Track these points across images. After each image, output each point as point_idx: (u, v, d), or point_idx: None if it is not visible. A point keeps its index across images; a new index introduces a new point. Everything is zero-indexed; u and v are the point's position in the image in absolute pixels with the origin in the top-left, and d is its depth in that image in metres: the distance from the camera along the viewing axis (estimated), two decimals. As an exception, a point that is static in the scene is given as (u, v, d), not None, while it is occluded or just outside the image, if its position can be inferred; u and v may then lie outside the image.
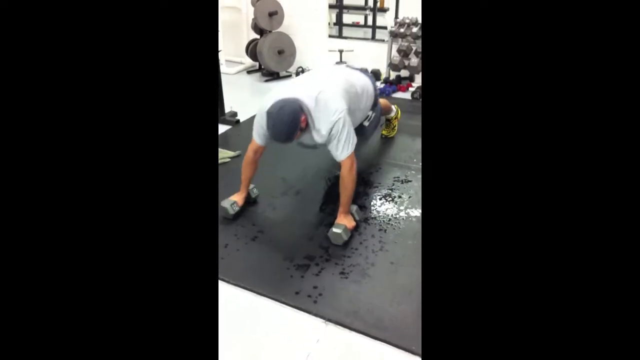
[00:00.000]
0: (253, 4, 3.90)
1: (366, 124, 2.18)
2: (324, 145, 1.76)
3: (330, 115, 1.68)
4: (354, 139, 1.74)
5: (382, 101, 2.49)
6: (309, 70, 4.11)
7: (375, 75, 3.83)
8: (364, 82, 2.07)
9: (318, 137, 1.72)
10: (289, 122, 1.58)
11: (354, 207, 1.86)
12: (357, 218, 1.86)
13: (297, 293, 1.51)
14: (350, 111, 1.83)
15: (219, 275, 1.58)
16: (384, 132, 2.73)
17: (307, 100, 1.68)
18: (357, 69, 2.23)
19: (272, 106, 1.64)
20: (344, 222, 1.76)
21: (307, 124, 1.69)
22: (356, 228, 1.84)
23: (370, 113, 2.19)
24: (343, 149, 1.70)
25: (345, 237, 1.73)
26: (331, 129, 1.68)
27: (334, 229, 1.73)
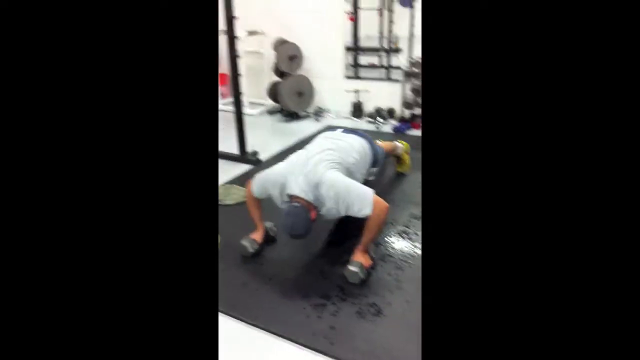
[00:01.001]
0: (274, 49, 4.11)
1: (371, 178, 2.22)
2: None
3: (331, 195, 1.75)
4: (366, 193, 1.71)
5: (384, 145, 2.52)
6: (327, 111, 4.24)
7: (390, 113, 3.92)
8: (359, 145, 2.09)
9: (332, 213, 1.80)
10: (304, 228, 1.72)
11: (371, 245, 1.88)
12: (374, 255, 1.87)
13: (313, 335, 1.52)
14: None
15: (237, 315, 1.61)
16: (399, 169, 2.78)
17: (309, 192, 1.76)
18: (349, 132, 2.20)
19: (284, 218, 1.74)
20: (360, 259, 1.77)
21: (317, 212, 1.80)
22: (372, 266, 1.85)
23: (372, 170, 2.21)
24: (361, 208, 1.70)
25: (362, 276, 1.74)
26: (338, 203, 1.74)
27: (351, 267, 1.74)
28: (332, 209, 1.77)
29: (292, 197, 1.80)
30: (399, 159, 2.76)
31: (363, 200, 1.69)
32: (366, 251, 1.82)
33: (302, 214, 1.71)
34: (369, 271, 1.80)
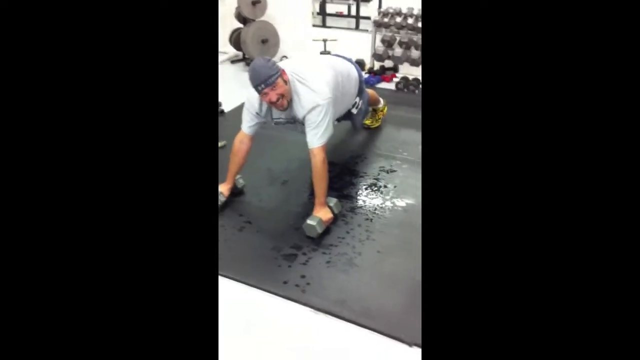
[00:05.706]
0: (236, -8, 3.82)
1: (354, 111, 2.24)
2: (302, 125, 1.81)
3: (316, 96, 1.75)
4: (331, 130, 1.81)
5: (370, 91, 2.50)
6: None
7: (360, 65, 3.82)
8: (347, 68, 2.14)
9: (299, 110, 1.77)
10: (271, 64, 1.66)
11: (334, 200, 1.85)
12: (336, 212, 1.83)
13: (285, 283, 1.51)
14: (338, 99, 1.91)
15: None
16: (367, 122, 2.71)
17: (298, 72, 1.78)
18: (340, 56, 2.25)
19: (250, 69, 1.71)
20: (319, 214, 1.75)
21: (292, 100, 1.77)
22: (343, 217, 1.84)
23: (357, 100, 2.24)
24: (321, 136, 1.76)
25: (320, 230, 1.71)
26: (313, 109, 1.74)
27: (308, 221, 1.72)
28: (300, 114, 1.78)
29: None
30: (374, 112, 2.69)
31: (325, 134, 1.77)
32: (325, 205, 1.80)
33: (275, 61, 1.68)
34: (338, 222, 1.79)
